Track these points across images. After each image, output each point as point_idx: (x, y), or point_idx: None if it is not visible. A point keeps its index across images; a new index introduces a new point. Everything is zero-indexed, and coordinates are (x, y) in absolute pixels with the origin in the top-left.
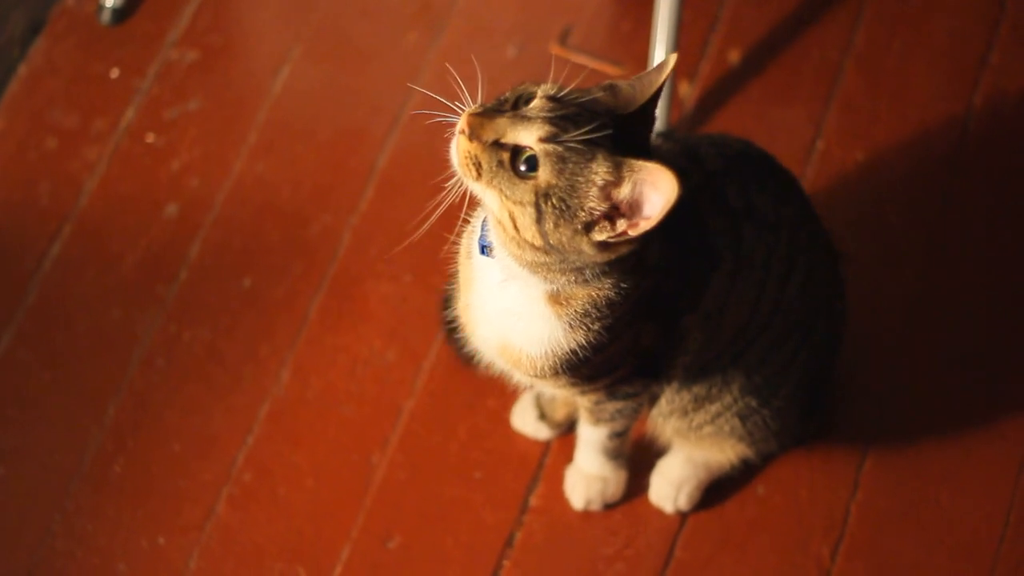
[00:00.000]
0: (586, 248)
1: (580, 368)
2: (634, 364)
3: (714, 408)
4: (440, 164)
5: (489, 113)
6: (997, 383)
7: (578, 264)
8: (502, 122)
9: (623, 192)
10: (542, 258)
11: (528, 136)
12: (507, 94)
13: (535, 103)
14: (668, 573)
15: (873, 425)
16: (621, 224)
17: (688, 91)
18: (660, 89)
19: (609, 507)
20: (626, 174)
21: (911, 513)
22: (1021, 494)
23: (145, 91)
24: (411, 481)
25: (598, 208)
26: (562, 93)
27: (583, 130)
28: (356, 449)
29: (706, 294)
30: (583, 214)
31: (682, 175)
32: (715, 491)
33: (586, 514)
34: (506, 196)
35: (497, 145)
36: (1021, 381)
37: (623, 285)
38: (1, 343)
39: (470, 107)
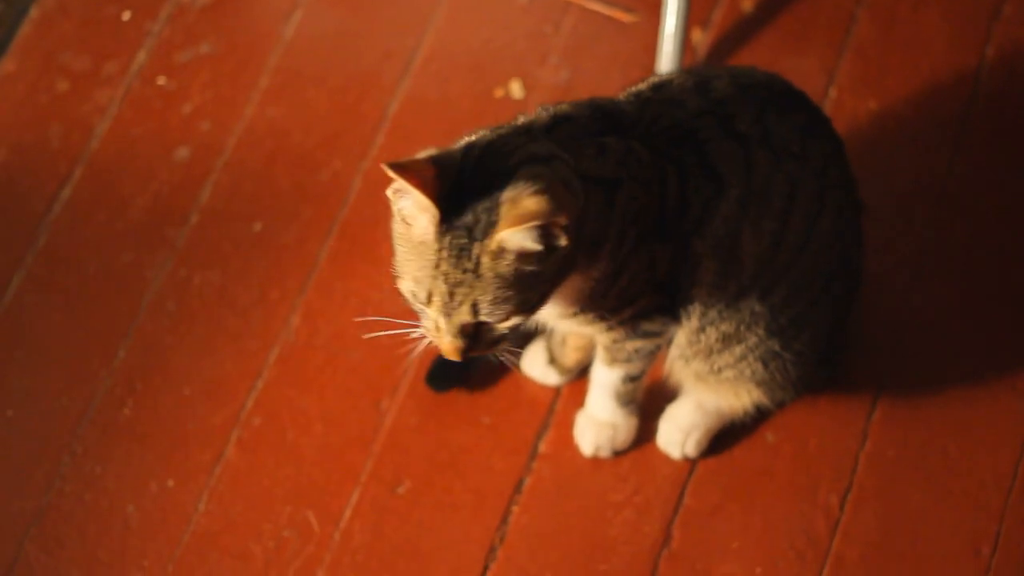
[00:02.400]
0: (563, 254)
1: (602, 301)
2: (653, 295)
3: (739, 350)
4: (452, 112)
5: (443, 342)
6: (1007, 334)
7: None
8: (453, 340)
9: (528, 246)
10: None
11: (471, 322)
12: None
13: (443, 297)
14: (677, 520)
15: (883, 375)
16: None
17: (701, 38)
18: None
19: (618, 454)
20: (510, 246)
21: (920, 464)
22: None
23: (157, 34)
24: (420, 427)
25: (538, 261)
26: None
27: (480, 289)
28: (365, 394)
29: (713, 219)
30: (542, 263)
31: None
32: (724, 439)
33: (595, 460)
34: (516, 327)
35: (476, 339)
36: None
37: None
38: (11, 286)
39: (433, 337)
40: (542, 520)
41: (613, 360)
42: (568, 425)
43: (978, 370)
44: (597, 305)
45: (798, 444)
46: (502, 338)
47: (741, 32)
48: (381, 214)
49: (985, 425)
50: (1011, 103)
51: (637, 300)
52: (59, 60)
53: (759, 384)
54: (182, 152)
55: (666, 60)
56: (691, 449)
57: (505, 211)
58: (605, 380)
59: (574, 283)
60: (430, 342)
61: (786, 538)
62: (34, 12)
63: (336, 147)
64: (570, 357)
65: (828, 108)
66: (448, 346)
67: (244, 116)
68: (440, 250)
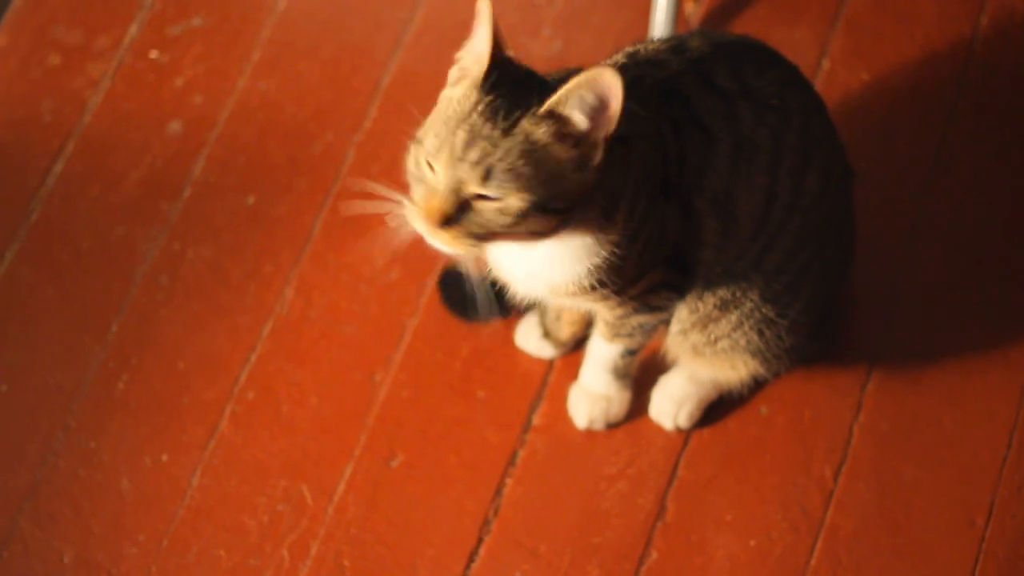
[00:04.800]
0: (588, 177)
1: (622, 271)
2: (664, 267)
3: (735, 317)
4: (444, 80)
5: (429, 203)
6: (1002, 305)
7: (582, 199)
8: (443, 199)
9: (576, 119)
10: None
11: (474, 186)
12: (429, 147)
13: (458, 154)
14: (671, 492)
15: (877, 346)
16: (598, 137)
17: (693, 9)
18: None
19: (612, 427)
20: (563, 110)
21: (914, 435)
22: None
23: (149, 7)
24: (414, 400)
25: (568, 154)
26: (469, 138)
27: (503, 150)
28: (359, 368)
29: (708, 173)
30: (569, 163)
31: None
32: (718, 411)
33: (589, 433)
34: (507, 228)
35: (464, 210)
36: None
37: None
38: (4, 260)
39: (414, 208)
40: (536, 493)
41: (615, 335)
42: (562, 398)
43: (972, 341)
44: (616, 276)
45: (792, 416)
46: (482, 237)
47: (733, 3)
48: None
49: (979, 396)
50: (1005, 72)
51: (651, 271)
52: (51, 34)
53: (754, 354)
54: (175, 126)
55: (659, 31)
56: (683, 420)
57: (577, 76)
58: (603, 354)
59: (591, 247)
60: (410, 228)
61: (780, 510)
62: None
63: (329, 120)
64: (565, 331)
65: (821, 80)
66: (435, 207)
67: (236, 89)
68: (477, 103)
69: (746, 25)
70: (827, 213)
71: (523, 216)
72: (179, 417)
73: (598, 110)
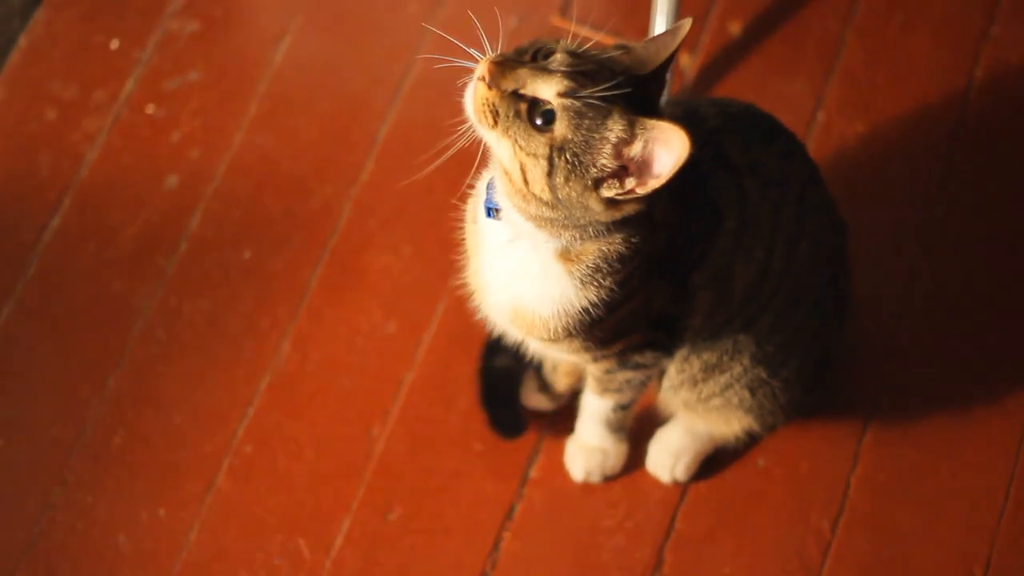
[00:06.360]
0: (593, 205)
1: (593, 330)
2: (647, 330)
3: (724, 379)
4: (442, 132)
5: (510, 62)
6: (998, 356)
7: (583, 221)
8: (523, 72)
9: (634, 150)
10: (548, 213)
11: (548, 89)
12: (526, 45)
13: (556, 57)
14: (668, 545)
15: (873, 398)
16: (630, 182)
17: (689, 62)
18: (674, 53)
19: (609, 479)
20: (639, 132)
21: (911, 486)
22: (1022, 467)
23: (145, 62)
24: (411, 453)
25: (609, 165)
26: (581, 49)
27: (602, 87)
28: (356, 421)
29: (712, 254)
30: (594, 170)
31: (692, 135)
32: (715, 463)
33: (586, 486)
34: (520, 147)
35: (516, 96)
36: (1022, 354)
37: (633, 240)
38: (2, 315)
39: (489, 55)
40: (533, 546)
41: (604, 390)
42: (558, 451)
43: (969, 391)
44: (586, 334)
45: (789, 468)
46: (497, 123)
47: (729, 56)
48: (371, 240)
49: (977, 446)
50: (1000, 125)
51: (629, 335)
52: (48, 89)
53: (747, 412)
54: (171, 180)
55: None
56: (681, 473)
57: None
58: (596, 409)
59: (567, 293)
60: (472, 79)
61: (778, 562)
62: (23, 41)
63: (326, 173)
64: (561, 382)
65: (816, 132)
66: (508, 69)
67: (233, 143)
68: (616, 73)
69: (742, 77)
70: (821, 272)
71: (531, 155)
72: (176, 472)
73: (650, 162)
